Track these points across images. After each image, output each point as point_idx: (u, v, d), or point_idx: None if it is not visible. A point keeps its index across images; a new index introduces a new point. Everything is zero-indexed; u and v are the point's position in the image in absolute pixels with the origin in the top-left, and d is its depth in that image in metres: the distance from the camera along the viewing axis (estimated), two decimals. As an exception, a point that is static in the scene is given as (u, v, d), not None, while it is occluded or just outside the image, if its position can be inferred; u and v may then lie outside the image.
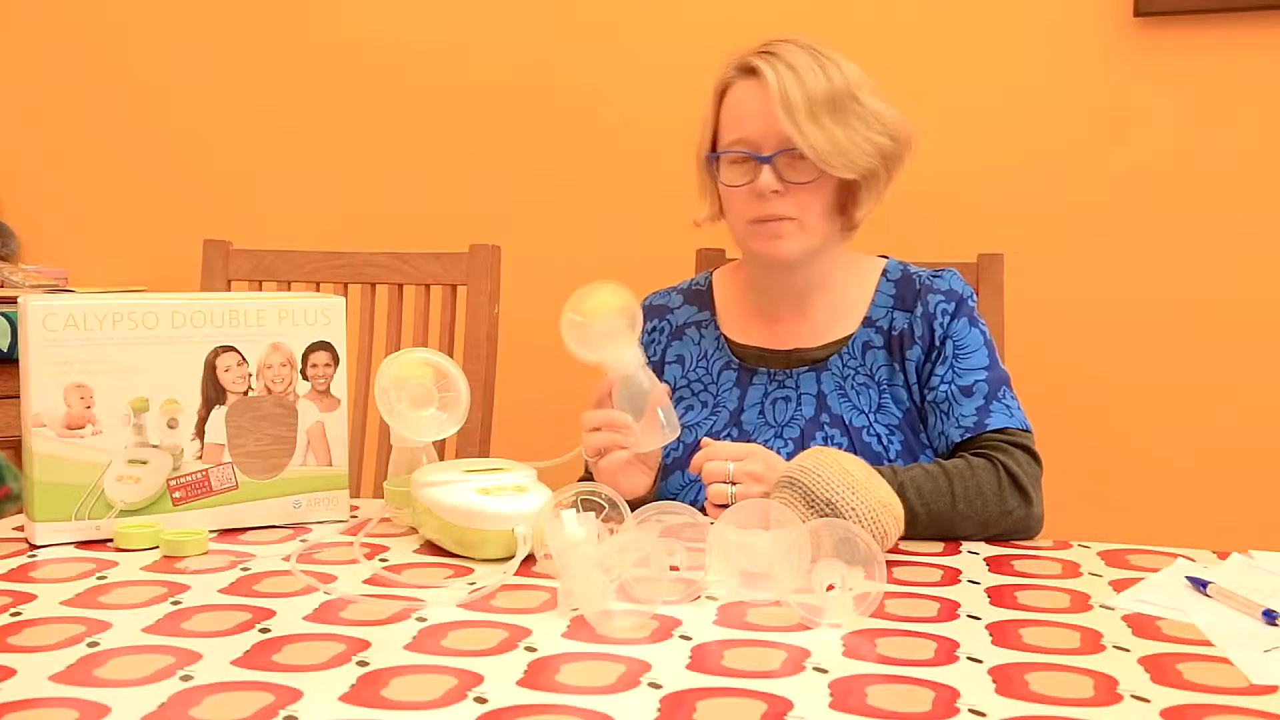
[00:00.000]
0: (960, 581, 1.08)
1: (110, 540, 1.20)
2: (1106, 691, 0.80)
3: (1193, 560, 1.14)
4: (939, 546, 1.21)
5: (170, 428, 1.23)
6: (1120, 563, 1.14)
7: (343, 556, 1.15)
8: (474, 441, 1.75)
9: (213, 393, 1.24)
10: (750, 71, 1.37)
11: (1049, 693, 0.80)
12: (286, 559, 1.12)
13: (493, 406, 1.82)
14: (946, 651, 0.87)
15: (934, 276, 1.43)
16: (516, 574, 1.07)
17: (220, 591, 1.02)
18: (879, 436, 1.37)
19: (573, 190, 2.29)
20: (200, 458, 1.24)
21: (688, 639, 0.90)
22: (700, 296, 1.52)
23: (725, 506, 1.11)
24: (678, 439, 1.28)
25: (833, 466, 1.11)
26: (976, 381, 1.37)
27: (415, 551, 1.17)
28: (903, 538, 1.18)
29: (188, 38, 2.49)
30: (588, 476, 1.38)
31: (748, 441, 1.37)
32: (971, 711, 0.76)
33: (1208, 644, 0.90)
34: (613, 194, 2.26)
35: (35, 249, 2.60)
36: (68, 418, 1.19)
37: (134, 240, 2.54)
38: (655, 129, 2.21)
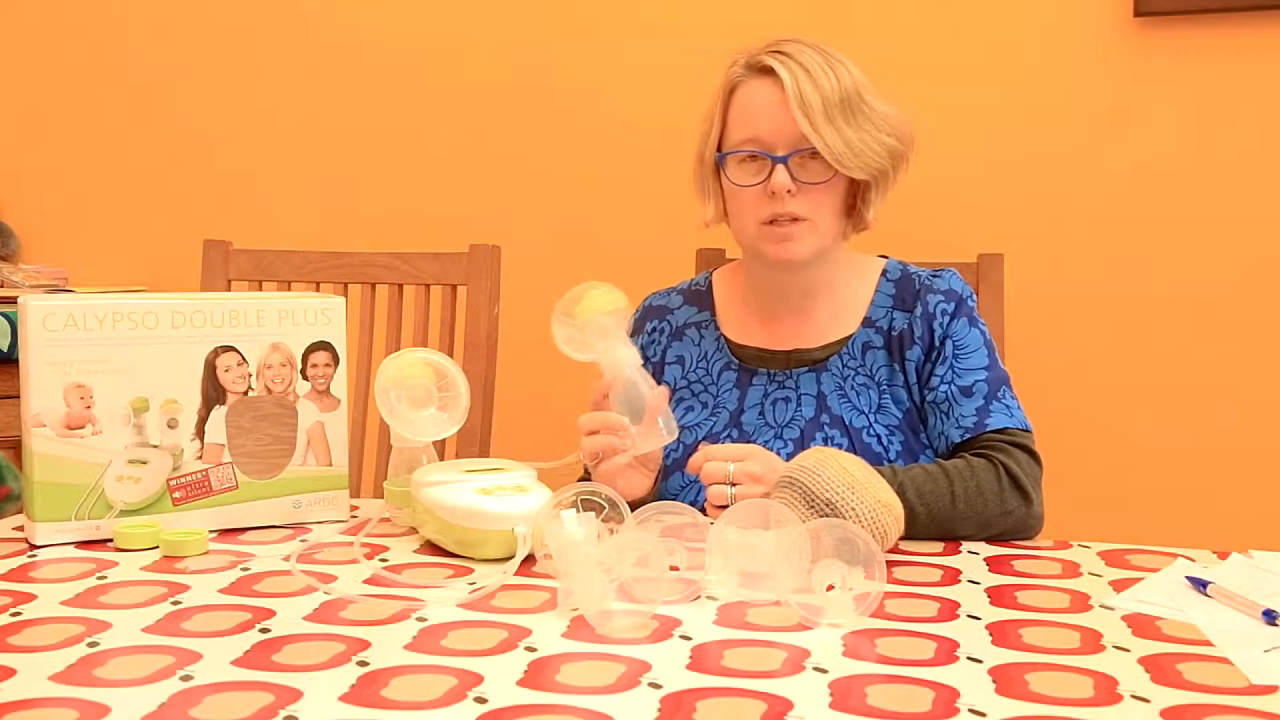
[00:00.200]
0: (960, 581, 1.08)
1: (110, 540, 1.20)
2: (1106, 691, 0.80)
3: (1193, 560, 1.14)
4: (939, 546, 1.21)
5: (170, 428, 1.23)
6: (1120, 563, 1.14)
7: (343, 556, 1.15)
8: (474, 441, 1.75)
9: (213, 393, 1.24)
10: (762, 71, 1.37)
11: (1049, 693, 0.80)
12: (286, 559, 1.12)
13: (493, 406, 1.82)
14: (946, 651, 0.87)
15: (934, 276, 1.43)
16: (516, 574, 1.07)
17: (220, 591, 1.02)
18: (879, 437, 1.37)
19: (573, 190, 2.29)
20: (200, 458, 1.24)
21: (688, 639, 0.90)
22: (700, 297, 1.52)
23: (725, 507, 1.11)
24: (677, 440, 1.28)
25: (833, 466, 1.11)
26: (976, 381, 1.37)
27: (415, 551, 1.17)
28: (903, 538, 1.18)
29: (188, 38, 2.49)
30: (587, 477, 1.38)
31: (748, 442, 1.37)
32: (971, 711, 0.76)
33: (1208, 644, 0.90)
34: (613, 194, 2.26)
35: (35, 249, 2.60)
36: (68, 418, 1.19)
37: (134, 240, 2.54)
38: (655, 129, 2.21)
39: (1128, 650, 0.88)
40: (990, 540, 1.25)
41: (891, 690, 0.80)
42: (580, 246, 2.28)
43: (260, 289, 1.88)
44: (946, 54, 2.09)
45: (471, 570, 1.10)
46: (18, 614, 0.95)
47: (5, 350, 2.17)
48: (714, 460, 1.22)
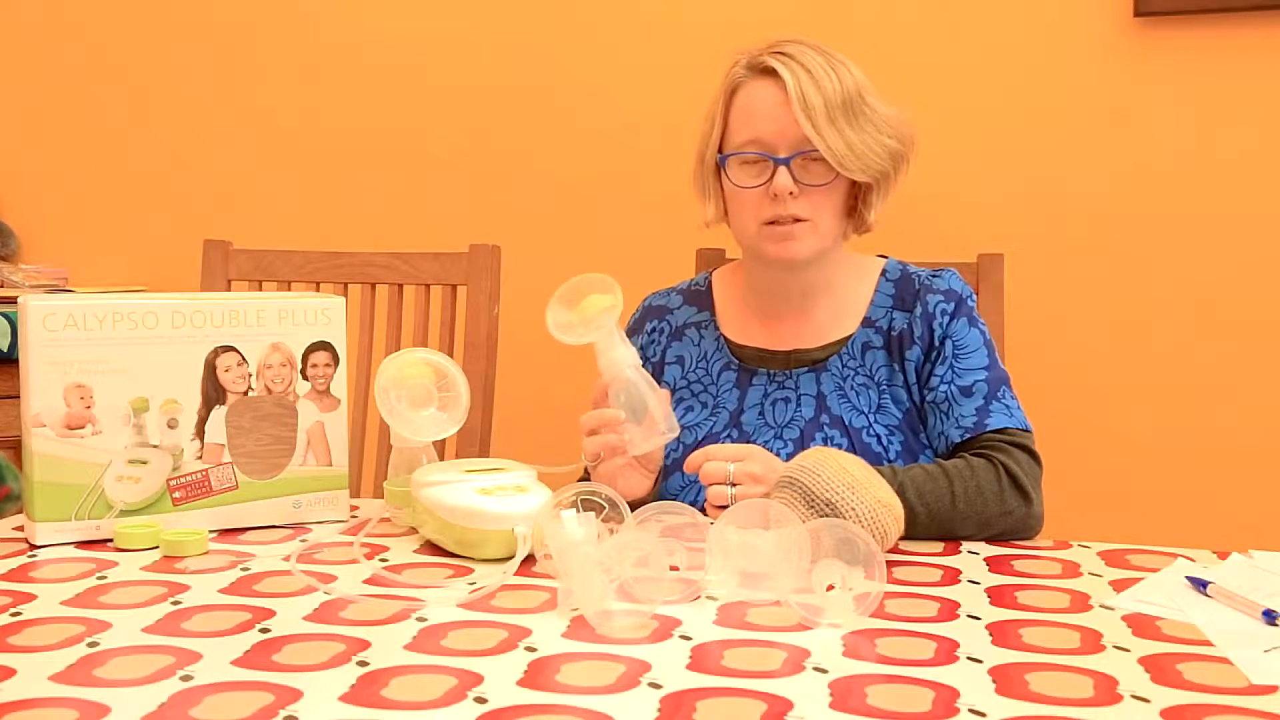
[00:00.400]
0: (960, 581, 1.08)
1: (110, 540, 1.20)
2: (1106, 691, 0.80)
3: (1193, 560, 1.14)
4: (939, 546, 1.21)
5: (170, 428, 1.23)
6: (1120, 563, 1.14)
7: (343, 556, 1.15)
8: (474, 441, 1.75)
9: (213, 393, 1.24)
10: (764, 71, 1.37)
11: (1049, 693, 0.80)
12: (286, 559, 1.12)
13: (493, 406, 1.82)
14: (946, 651, 0.87)
15: (933, 276, 1.43)
16: (516, 574, 1.07)
17: (220, 591, 1.02)
18: (879, 437, 1.37)
19: (573, 190, 2.29)
20: (200, 458, 1.24)
21: (688, 639, 0.90)
22: (700, 297, 1.52)
23: (725, 507, 1.11)
24: (677, 440, 1.28)
25: (833, 466, 1.11)
26: (976, 381, 1.37)
27: (415, 551, 1.17)
28: (903, 538, 1.18)
29: (188, 38, 2.49)
30: (587, 477, 1.38)
31: (747, 442, 1.37)
32: (971, 711, 0.76)
33: (1208, 644, 0.90)
34: (613, 194, 2.26)
35: (35, 249, 2.60)
36: (68, 418, 1.19)
37: (134, 240, 2.54)
38: (655, 129, 2.21)
39: (1128, 650, 0.88)
40: (990, 540, 1.25)
41: (891, 690, 0.80)
42: (580, 246, 2.28)
43: (260, 289, 1.88)
44: (946, 54, 2.09)
45: (471, 570, 1.10)
46: (18, 614, 0.95)
47: (5, 350, 2.17)
48: (714, 460, 1.22)
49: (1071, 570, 1.12)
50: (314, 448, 1.29)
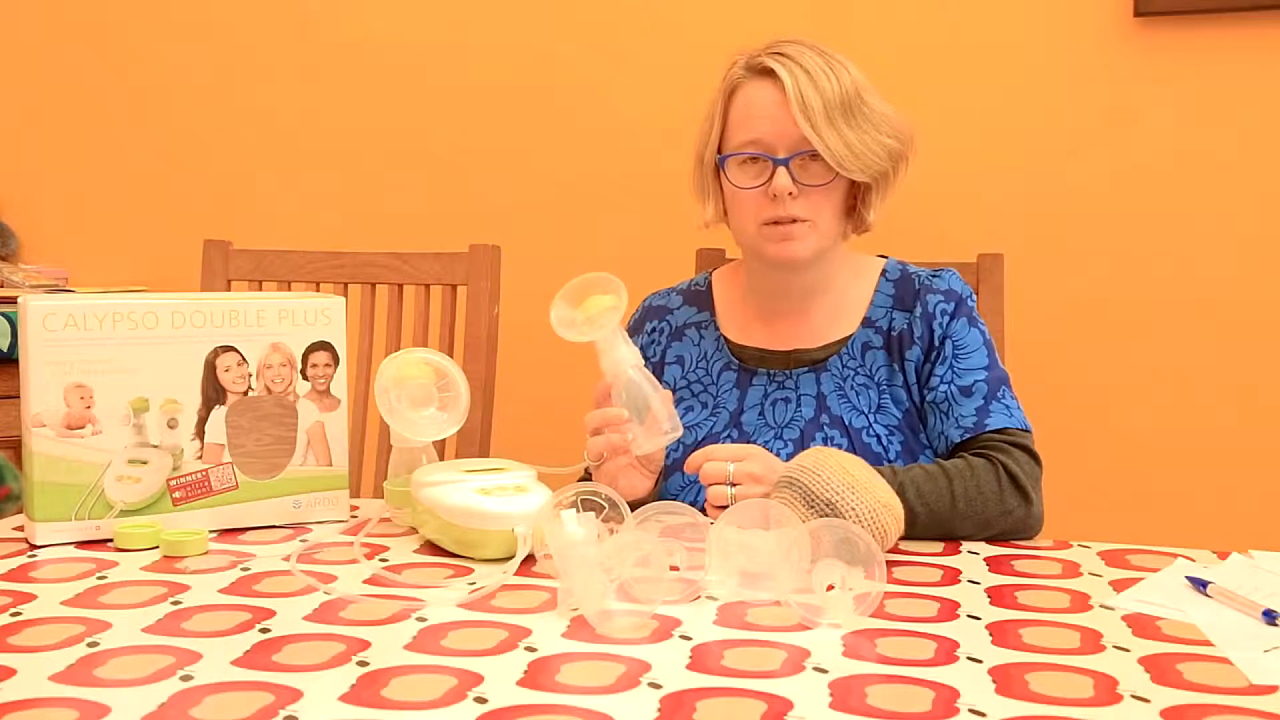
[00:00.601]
0: (960, 581, 1.08)
1: (110, 540, 1.19)
2: (1106, 691, 0.80)
3: (1193, 560, 1.14)
4: (939, 546, 1.21)
5: (170, 428, 1.23)
6: (1120, 563, 1.14)
7: (343, 556, 1.15)
8: (474, 441, 1.75)
9: (213, 393, 1.24)
10: (762, 72, 1.37)
11: (1049, 693, 0.80)
12: (286, 559, 1.12)
13: (493, 406, 1.82)
14: (946, 651, 0.87)
15: (933, 276, 1.43)
16: (516, 574, 1.07)
17: (220, 591, 1.02)
18: (879, 437, 1.37)
19: (573, 190, 2.29)
20: (200, 458, 1.24)
21: (688, 639, 0.90)
22: (700, 297, 1.52)
23: (725, 508, 1.11)
24: (677, 440, 1.28)
25: (833, 466, 1.11)
26: (976, 381, 1.37)
27: (415, 551, 1.17)
28: (903, 538, 1.18)
29: (188, 38, 2.49)
30: (588, 477, 1.38)
31: (748, 442, 1.37)
32: (971, 711, 0.76)
33: (1208, 644, 0.90)
34: (613, 194, 2.26)
35: (35, 249, 2.60)
36: (68, 418, 1.19)
37: (134, 240, 2.54)
38: (655, 129, 2.21)
39: (1128, 650, 0.88)
40: (990, 540, 1.25)
41: (891, 690, 0.80)
42: (580, 246, 2.28)
43: (260, 289, 1.88)
44: (946, 54, 2.09)
45: (471, 570, 1.10)
46: (18, 614, 0.95)
47: (5, 350, 2.17)
48: (714, 460, 1.22)
49: (1071, 570, 1.12)
50: (314, 448, 1.29)
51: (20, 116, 2.59)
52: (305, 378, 1.28)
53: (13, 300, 2.17)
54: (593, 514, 1.01)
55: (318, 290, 1.85)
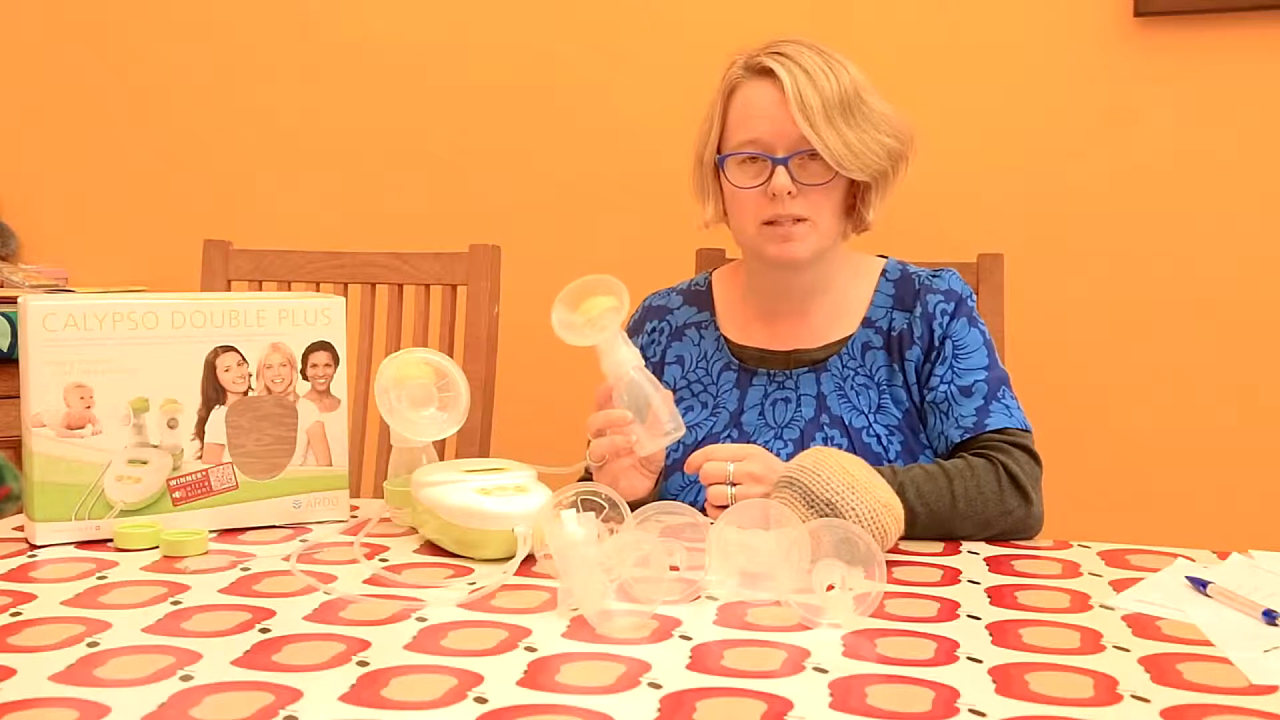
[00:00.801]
0: (960, 581, 1.08)
1: (110, 540, 1.19)
2: (1106, 691, 0.80)
3: (1193, 560, 1.14)
4: (939, 546, 1.21)
5: (170, 428, 1.23)
6: (1120, 563, 1.14)
7: (343, 556, 1.15)
8: (474, 441, 1.75)
9: (213, 393, 1.24)
10: (761, 72, 1.37)
11: (1049, 693, 0.80)
12: (286, 559, 1.12)
13: (493, 406, 1.82)
14: (946, 651, 0.87)
15: (933, 276, 1.43)
16: (516, 574, 1.07)
17: (220, 591, 1.02)
18: (879, 437, 1.37)
19: (573, 190, 2.29)
20: (200, 458, 1.24)
21: (688, 639, 0.90)
22: (700, 297, 1.52)
23: (725, 507, 1.11)
24: (679, 440, 1.28)
25: (833, 466, 1.11)
26: (976, 382, 1.37)
27: (415, 551, 1.17)
28: (903, 538, 1.18)
29: (188, 38, 2.49)
30: (588, 476, 1.38)
31: (748, 442, 1.37)
32: (971, 711, 0.76)
33: (1208, 644, 0.90)
34: (613, 194, 2.26)
35: (35, 249, 2.60)
36: (68, 418, 1.19)
37: (134, 240, 2.54)
38: (655, 129, 2.21)
39: (1128, 650, 0.88)
40: (990, 540, 1.25)
41: (891, 690, 0.80)
42: (580, 246, 2.28)
43: (260, 289, 1.88)
44: (946, 54, 2.09)
45: (471, 570, 1.10)
46: (18, 614, 0.95)
47: (5, 350, 2.17)
48: (714, 460, 1.22)
49: (1071, 570, 1.12)
50: (314, 448, 1.29)
51: (20, 116, 2.59)
52: (305, 378, 1.28)
53: (13, 300, 2.17)
54: (593, 514, 1.01)
55: (318, 290, 1.85)
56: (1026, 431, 1.36)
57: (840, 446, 1.35)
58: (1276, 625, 0.94)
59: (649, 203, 2.22)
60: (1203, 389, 2.01)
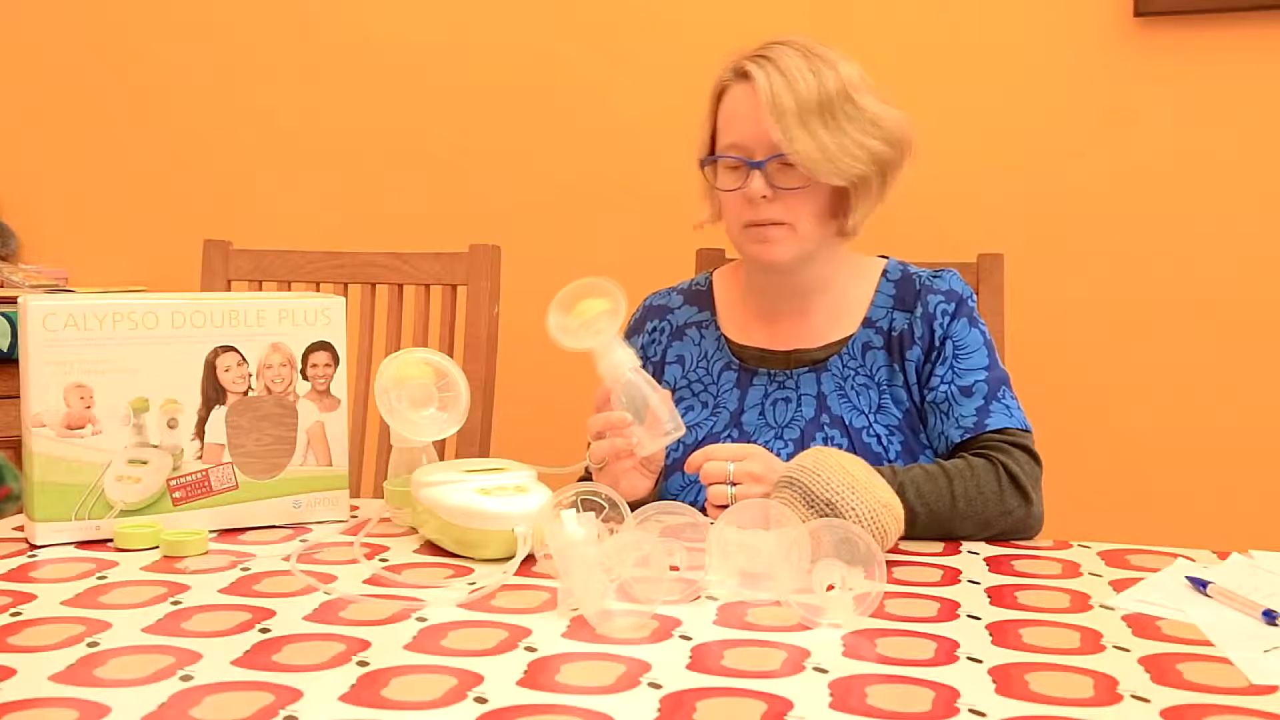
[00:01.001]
0: (960, 581, 1.08)
1: (110, 540, 1.19)
2: (1106, 691, 0.80)
3: (1193, 560, 1.14)
4: (939, 546, 1.21)
5: (170, 428, 1.23)
6: (1120, 563, 1.14)
7: (343, 556, 1.15)
8: (474, 441, 1.75)
9: (213, 393, 1.24)
10: (744, 75, 1.37)
11: (1049, 693, 0.80)
12: (286, 559, 1.12)
13: (493, 406, 1.82)
14: (946, 651, 0.87)
15: (934, 277, 1.43)
16: (516, 574, 1.07)
17: (220, 591, 1.02)
18: (879, 437, 1.37)
19: (573, 190, 2.29)
20: (200, 458, 1.24)
21: (688, 639, 0.90)
22: (700, 297, 1.52)
23: (725, 507, 1.11)
24: (678, 440, 1.28)
25: (833, 466, 1.11)
26: (976, 382, 1.37)
27: (415, 551, 1.17)
28: (903, 538, 1.18)
29: (188, 38, 2.49)
30: (588, 477, 1.38)
31: (748, 442, 1.37)
32: (971, 711, 0.76)
33: (1208, 644, 0.90)
34: (613, 194, 2.26)
35: (35, 249, 2.60)
36: (68, 418, 1.19)
37: (134, 240, 2.54)
38: (655, 129, 2.21)
39: (1128, 650, 0.88)
40: (990, 540, 1.25)
41: (891, 690, 0.80)
42: (580, 246, 2.28)
43: (260, 289, 1.88)
44: (946, 54, 2.09)
45: (471, 570, 1.10)
46: (18, 614, 0.95)
47: (5, 350, 2.18)
48: (714, 460, 1.22)
49: (1071, 570, 1.12)
50: (314, 448, 1.29)
51: (20, 116, 2.59)
52: (305, 378, 1.28)
53: (13, 300, 2.18)
54: (593, 514, 1.01)
55: (318, 290, 1.85)
56: (1026, 431, 1.36)
57: (840, 446, 1.35)
58: (1276, 625, 0.94)
59: (649, 203, 2.22)
60: (1203, 389, 2.01)
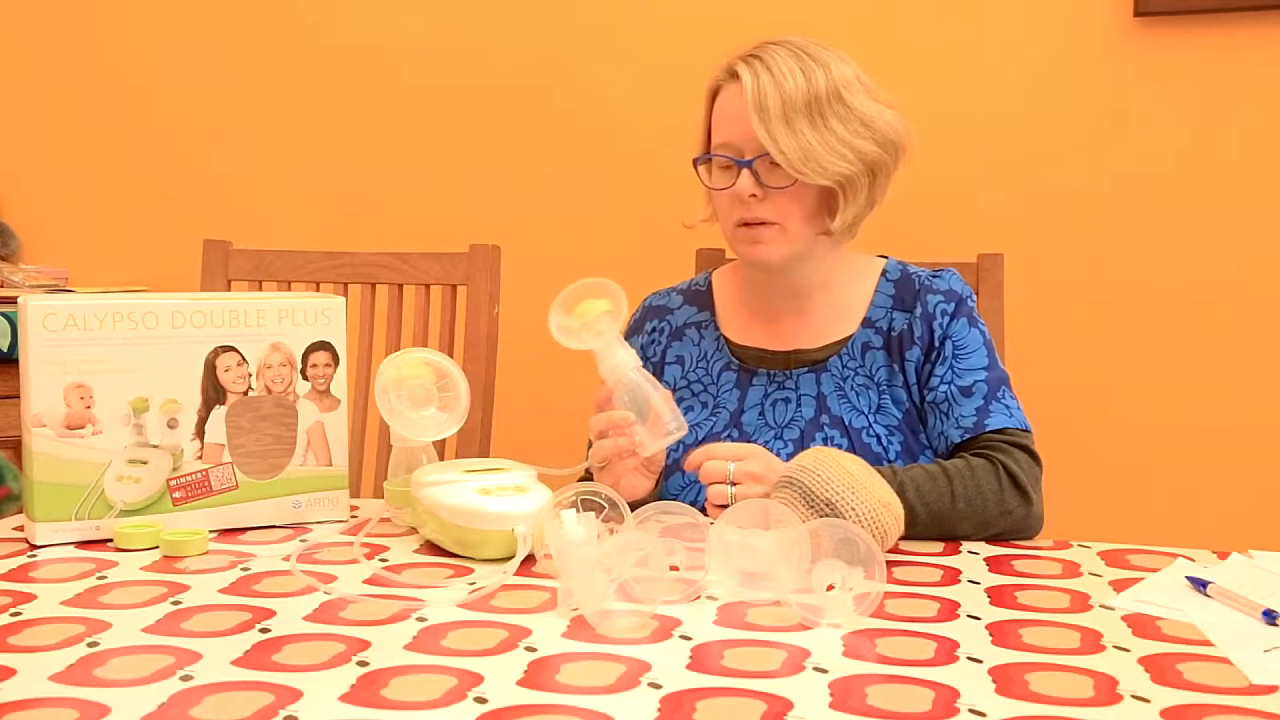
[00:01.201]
0: (960, 581, 1.08)
1: (110, 540, 1.19)
2: (1106, 691, 0.80)
3: (1193, 560, 1.14)
4: (939, 546, 1.21)
5: (170, 428, 1.23)
6: (1120, 563, 1.14)
7: (343, 556, 1.15)
8: (474, 441, 1.75)
9: (213, 393, 1.24)
10: (735, 75, 1.37)
11: (1049, 693, 0.80)
12: (286, 559, 1.12)
13: (493, 406, 1.82)
14: (946, 651, 0.87)
15: (933, 277, 1.43)
16: (516, 574, 1.07)
17: (220, 591, 1.02)
18: (878, 437, 1.37)
19: (573, 190, 2.29)
20: (200, 458, 1.24)
21: (688, 639, 0.90)
22: (700, 297, 1.52)
23: (725, 507, 1.11)
24: (679, 439, 1.28)
25: (833, 466, 1.11)
26: (976, 382, 1.37)
27: (415, 551, 1.17)
28: (903, 537, 1.18)
29: (188, 38, 2.49)
30: (588, 476, 1.38)
31: (748, 443, 1.37)
32: (971, 711, 0.76)
33: (1208, 644, 0.90)
34: (613, 194, 2.26)
35: (35, 249, 2.60)
36: (68, 418, 1.19)
37: (134, 240, 2.54)
38: (655, 129, 2.21)
39: (1128, 650, 0.88)
40: (990, 540, 1.25)
41: (891, 690, 0.80)
42: (580, 246, 2.28)
43: (260, 289, 1.88)
44: (946, 54, 2.09)
45: (471, 570, 1.10)
46: (18, 614, 0.95)
47: (5, 350, 2.17)
48: (714, 459, 1.22)
49: (1071, 570, 1.12)
50: (314, 448, 1.29)
51: (20, 116, 2.59)
52: (305, 378, 1.28)
53: (13, 300, 2.18)
54: (593, 514, 1.01)
55: (318, 290, 1.85)
56: (1026, 431, 1.36)
57: (840, 446, 1.35)
58: (1276, 625, 0.94)
59: (649, 203, 2.22)
60: (1203, 389, 2.01)
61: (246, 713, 0.75)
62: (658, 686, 0.80)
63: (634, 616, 0.95)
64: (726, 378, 1.44)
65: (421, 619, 0.94)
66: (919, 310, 1.40)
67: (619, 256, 2.22)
